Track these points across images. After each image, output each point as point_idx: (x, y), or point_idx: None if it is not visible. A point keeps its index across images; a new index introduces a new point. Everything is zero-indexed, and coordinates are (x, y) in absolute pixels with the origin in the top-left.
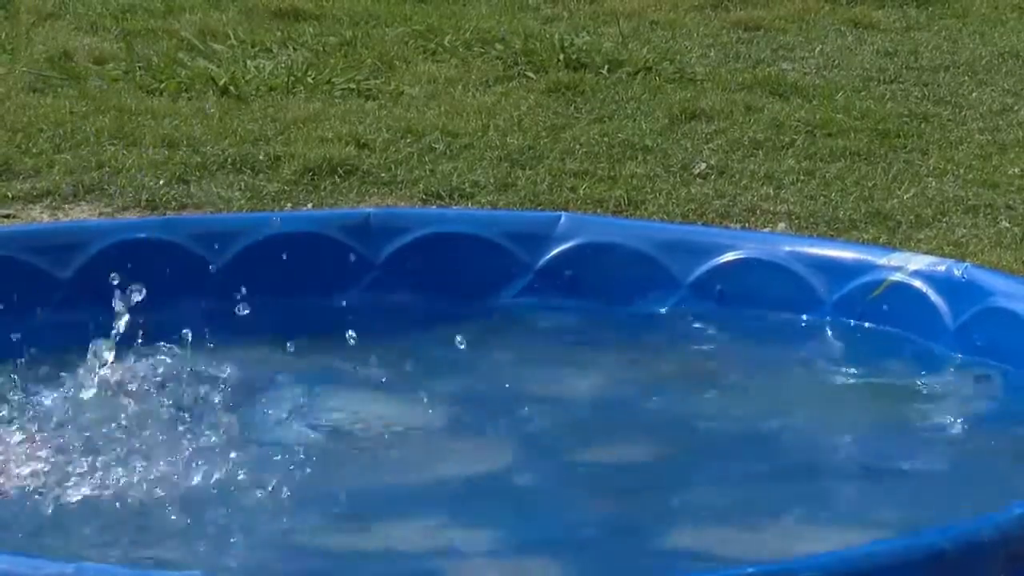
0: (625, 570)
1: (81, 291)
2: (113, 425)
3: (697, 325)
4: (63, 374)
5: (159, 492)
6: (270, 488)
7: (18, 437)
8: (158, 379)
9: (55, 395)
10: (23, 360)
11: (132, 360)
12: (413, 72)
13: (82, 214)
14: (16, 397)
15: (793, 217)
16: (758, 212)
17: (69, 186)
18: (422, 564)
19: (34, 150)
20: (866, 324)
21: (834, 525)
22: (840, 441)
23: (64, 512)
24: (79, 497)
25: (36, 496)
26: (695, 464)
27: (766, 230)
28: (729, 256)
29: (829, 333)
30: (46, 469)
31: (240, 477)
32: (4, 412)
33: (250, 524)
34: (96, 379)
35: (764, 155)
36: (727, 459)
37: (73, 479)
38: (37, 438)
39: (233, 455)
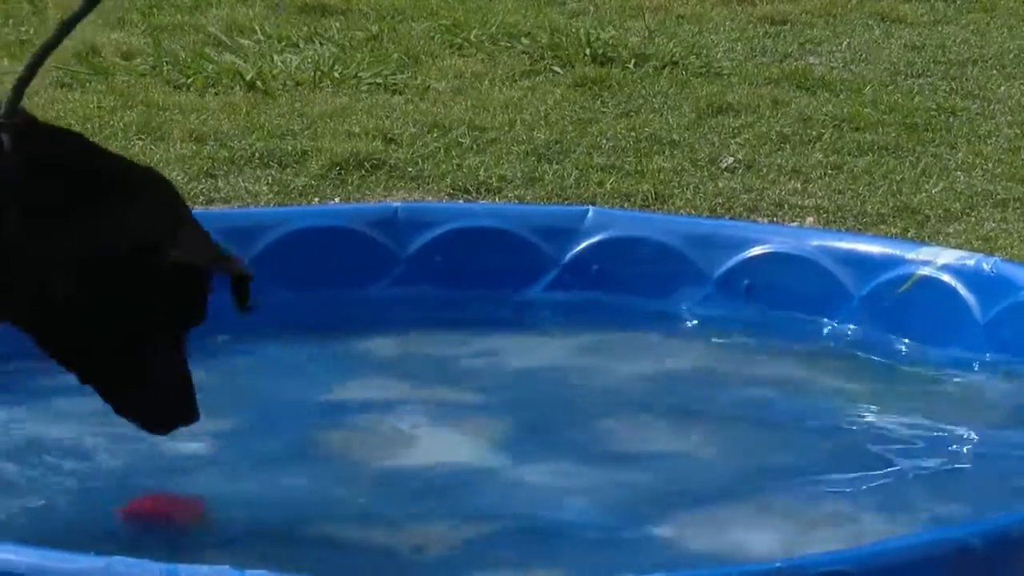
0: (653, 563)
1: None
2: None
3: (724, 319)
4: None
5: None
6: (296, 480)
7: None
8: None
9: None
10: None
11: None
12: (439, 67)
13: None
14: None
15: (821, 211)
16: (786, 206)
17: None
18: (446, 555)
19: None
20: (892, 320)
21: (863, 520)
22: (868, 437)
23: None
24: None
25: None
26: (723, 459)
27: (794, 224)
28: (756, 250)
29: (856, 329)
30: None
31: (269, 470)
32: None
33: (276, 517)
34: None
35: (791, 149)
36: (754, 454)
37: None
38: None
39: (261, 447)
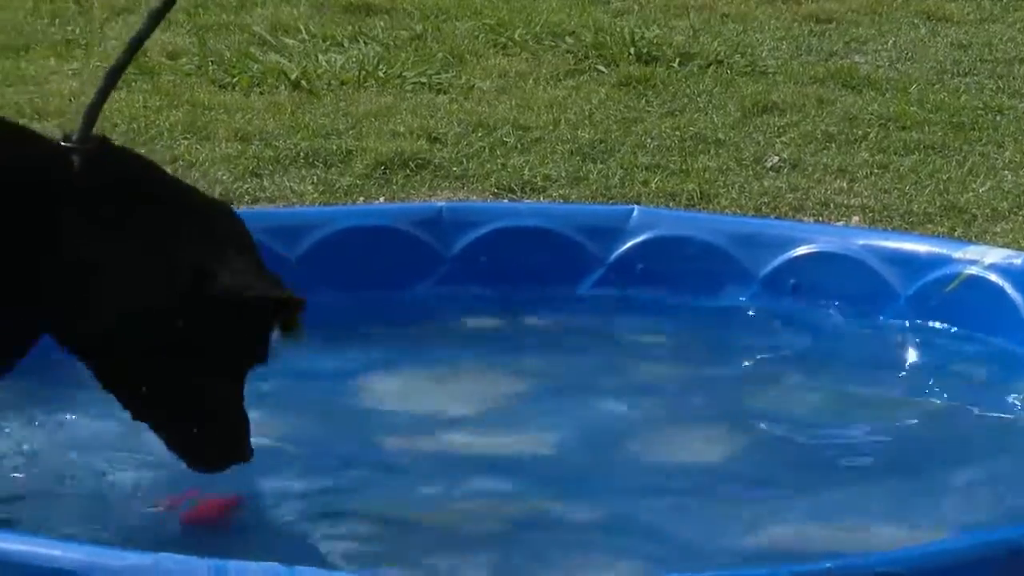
0: (703, 564)
1: None
2: None
3: (769, 319)
4: None
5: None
6: (350, 477)
7: None
8: None
9: None
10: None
11: None
12: (484, 66)
13: None
14: None
15: (867, 211)
16: (831, 206)
17: None
18: (498, 549)
19: None
20: (939, 319)
21: (909, 521)
22: (911, 438)
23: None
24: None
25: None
26: (768, 460)
27: (839, 224)
28: (802, 250)
29: (903, 328)
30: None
31: (319, 471)
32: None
33: (327, 517)
34: None
35: (837, 148)
36: (799, 456)
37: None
38: None
39: (310, 449)
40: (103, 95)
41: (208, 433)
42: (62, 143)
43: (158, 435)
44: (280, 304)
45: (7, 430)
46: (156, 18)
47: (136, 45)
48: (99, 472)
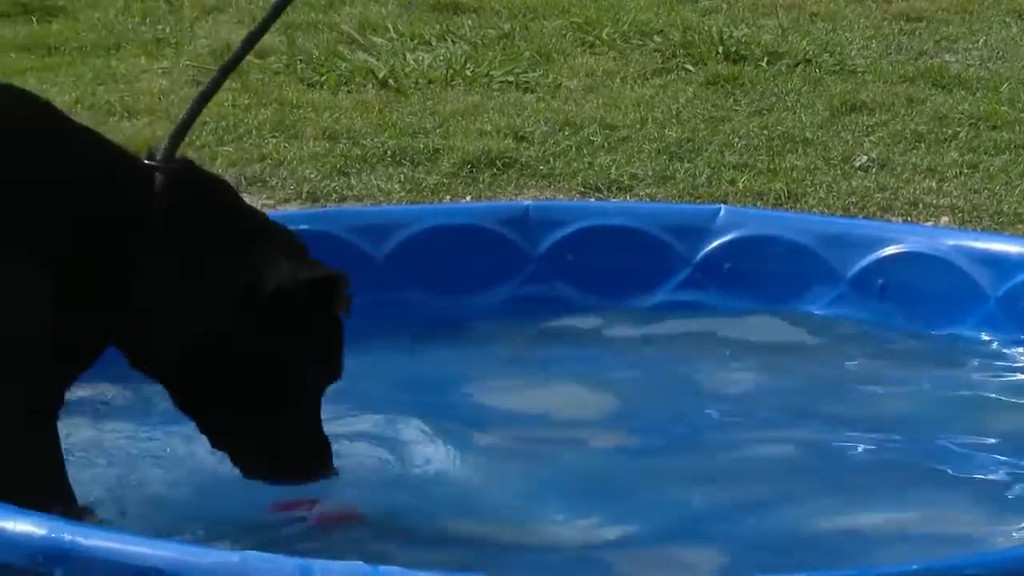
0: (785, 564)
1: None
2: None
3: (857, 319)
4: None
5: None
6: (440, 481)
7: None
8: None
9: None
10: None
11: None
12: (571, 65)
13: None
14: None
15: (956, 211)
16: (920, 206)
17: (232, 178)
18: (583, 552)
19: (198, 143)
20: None
21: (994, 526)
22: (999, 442)
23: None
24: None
25: None
26: (852, 461)
27: (928, 224)
28: (891, 250)
29: (991, 329)
30: None
31: (414, 471)
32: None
33: (421, 518)
34: None
35: (926, 148)
36: (886, 457)
37: None
38: None
39: (405, 444)
40: (192, 117)
41: (286, 454)
42: (147, 161)
43: (235, 463)
44: (324, 285)
45: (114, 434)
46: (251, 42)
47: (229, 69)
48: (207, 474)
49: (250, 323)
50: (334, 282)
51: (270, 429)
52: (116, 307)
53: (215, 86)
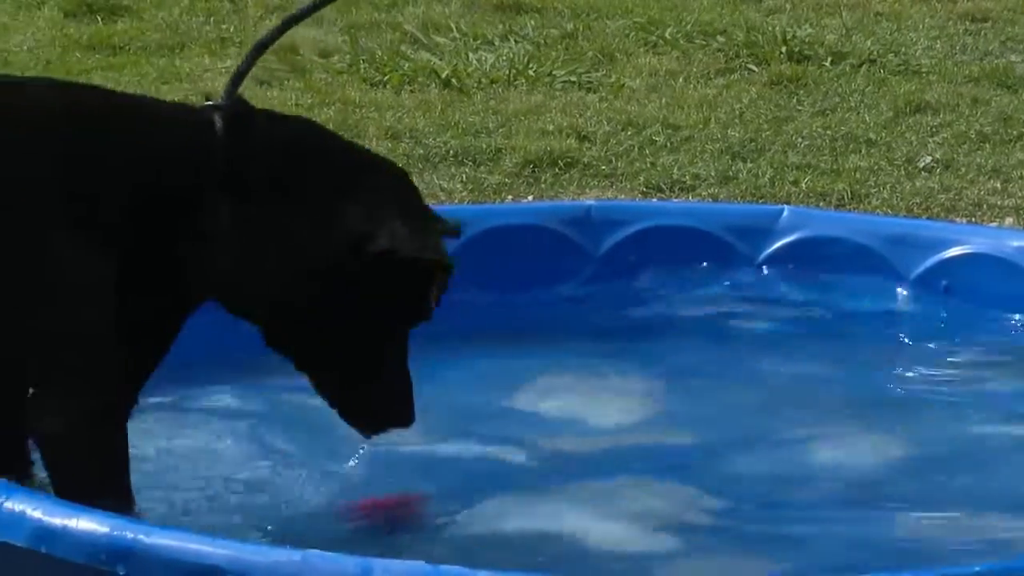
0: (854, 564)
1: None
2: None
3: (921, 320)
4: None
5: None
6: (496, 479)
7: None
8: None
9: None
10: None
11: None
12: (634, 64)
13: None
14: None
15: (1021, 212)
16: (984, 207)
17: None
18: (645, 553)
19: None
20: None
21: None
22: None
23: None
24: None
25: None
26: (921, 461)
27: (993, 225)
28: (955, 251)
29: None
30: None
31: (476, 473)
32: None
33: (486, 519)
34: None
35: (991, 149)
36: (954, 457)
37: None
38: None
39: (465, 445)
40: (248, 66)
41: (374, 394)
42: (205, 104)
43: (323, 396)
44: (433, 266)
45: (187, 432)
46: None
47: (289, 22)
48: (273, 472)
49: (347, 269)
50: (446, 271)
51: (358, 369)
52: (197, 254)
53: (276, 35)
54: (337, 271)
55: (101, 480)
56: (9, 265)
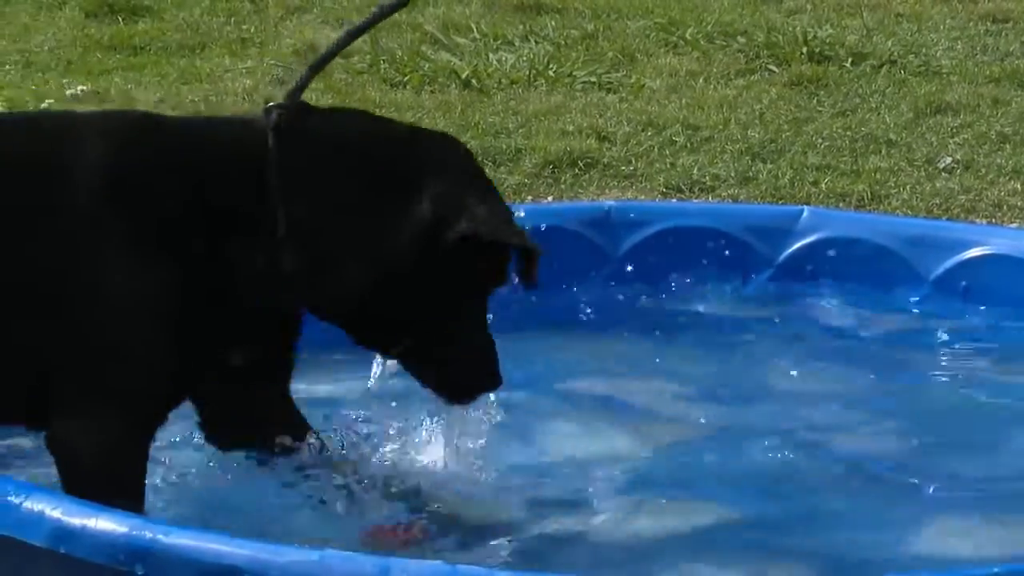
0: (869, 566)
1: None
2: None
3: (940, 321)
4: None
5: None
6: (516, 479)
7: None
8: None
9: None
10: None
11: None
12: (654, 65)
13: None
14: None
15: None
16: (1005, 207)
17: None
18: (660, 552)
19: None
20: None
21: None
22: None
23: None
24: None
25: None
26: (939, 462)
27: (1013, 226)
28: (975, 252)
29: None
30: None
31: (503, 471)
32: None
33: (509, 518)
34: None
35: (1012, 149)
36: (969, 459)
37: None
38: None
39: (484, 442)
40: (332, 54)
41: (460, 364)
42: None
43: (412, 374)
44: (520, 250)
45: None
46: (390, 10)
47: (355, 34)
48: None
49: (427, 258)
50: (535, 257)
51: (443, 342)
52: (256, 261)
53: (367, 26)
54: (418, 260)
55: (112, 480)
56: (65, 279)
